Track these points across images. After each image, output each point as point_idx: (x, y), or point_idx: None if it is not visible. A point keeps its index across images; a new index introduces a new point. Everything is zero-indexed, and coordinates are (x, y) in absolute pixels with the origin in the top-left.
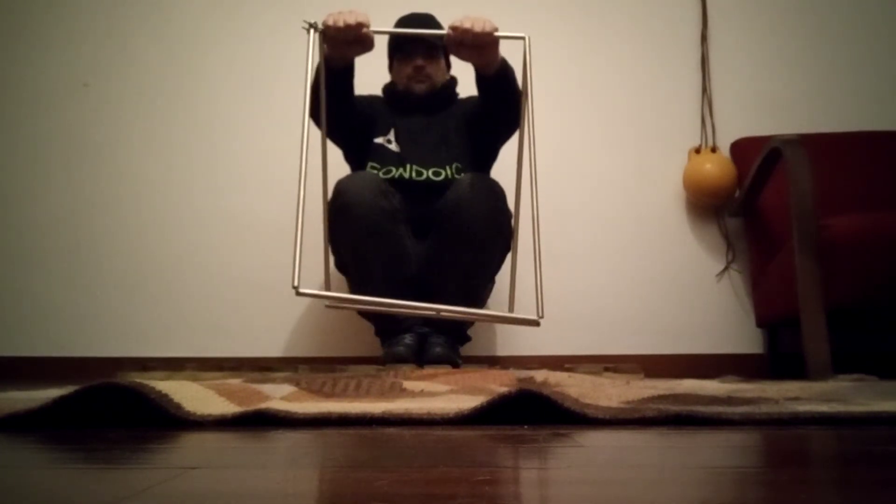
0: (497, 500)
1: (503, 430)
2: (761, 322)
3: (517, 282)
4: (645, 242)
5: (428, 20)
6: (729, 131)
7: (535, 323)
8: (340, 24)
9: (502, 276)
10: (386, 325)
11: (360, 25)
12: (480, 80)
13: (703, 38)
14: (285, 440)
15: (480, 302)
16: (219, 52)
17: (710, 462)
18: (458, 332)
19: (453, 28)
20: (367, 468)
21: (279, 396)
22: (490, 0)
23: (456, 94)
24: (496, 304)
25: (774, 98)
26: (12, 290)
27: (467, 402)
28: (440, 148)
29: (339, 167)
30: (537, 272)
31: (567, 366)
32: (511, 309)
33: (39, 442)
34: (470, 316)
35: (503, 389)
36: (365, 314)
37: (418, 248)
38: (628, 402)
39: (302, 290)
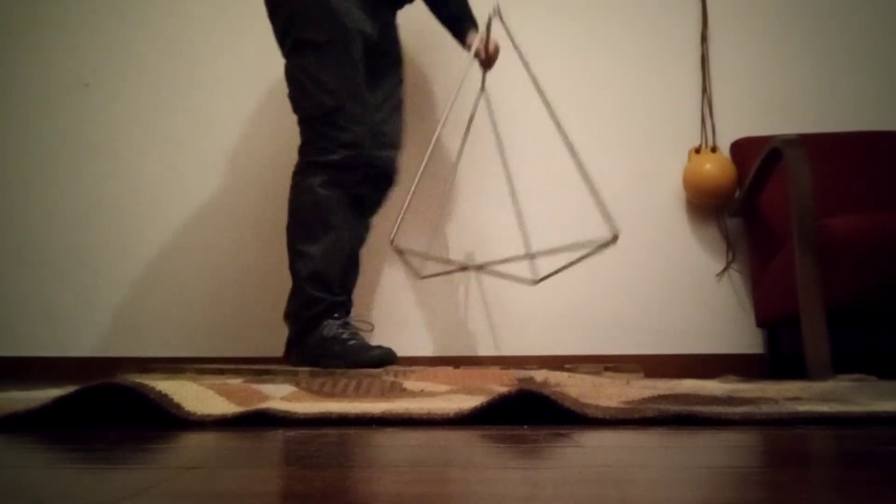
0: (497, 500)
1: (503, 430)
2: (761, 322)
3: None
4: (645, 242)
5: None
6: (729, 131)
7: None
8: None
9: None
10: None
11: None
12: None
13: (703, 38)
14: (285, 440)
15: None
16: (220, 51)
17: (710, 462)
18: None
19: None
20: (367, 468)
21: (279, 396)
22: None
23: None
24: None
25: (774, 98)
26: (12, 290)
27: (467, 402)
28: None
29: None
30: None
31: (567, 366)
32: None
33: (39, 442)
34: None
35: (503, 389)
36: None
37: None
38: (628, 402)
39: (397, 246)
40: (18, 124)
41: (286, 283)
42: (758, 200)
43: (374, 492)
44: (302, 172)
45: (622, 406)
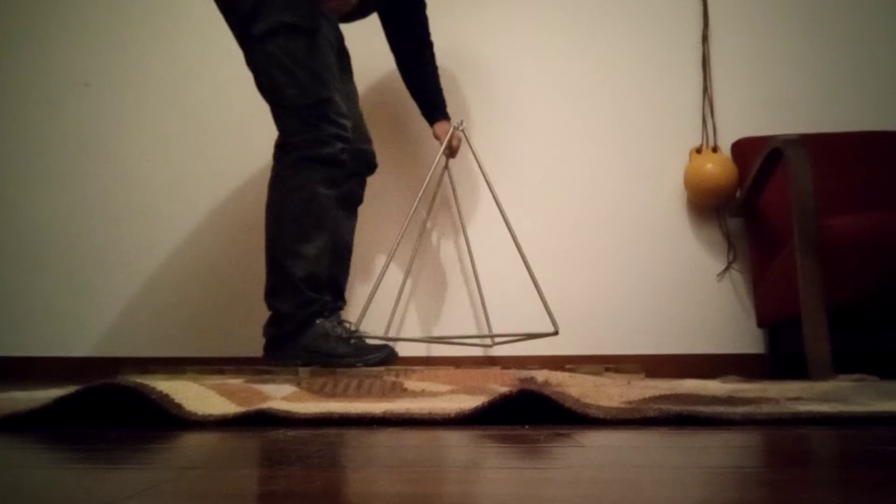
0: (498, 500)
1: (504, 430)
2: (762, 322)
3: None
4: (646, 242)
5: None
6: (730, 131)
7: (554, 333)
8: None
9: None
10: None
11: None
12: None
13: (704, 38)
14: (286, 440)
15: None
16: (220, 51)
17: (711, 462)
18: None
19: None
20: (367, 468)
21: (280, 396)
22: (492, 1)
23: None
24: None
25: (775, 98)
26: (12, 290)
27: (468, 402)
28: None
29: None
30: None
31: (568, 366)
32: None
33: (39, 442)
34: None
35: (504, 389)
36: None
37: None
38: (629, 402)
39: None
40: (19, 124)
41: None
42: (759, 200)
43: (374, 492)
44: (294, 167)
45: (623, 406)
